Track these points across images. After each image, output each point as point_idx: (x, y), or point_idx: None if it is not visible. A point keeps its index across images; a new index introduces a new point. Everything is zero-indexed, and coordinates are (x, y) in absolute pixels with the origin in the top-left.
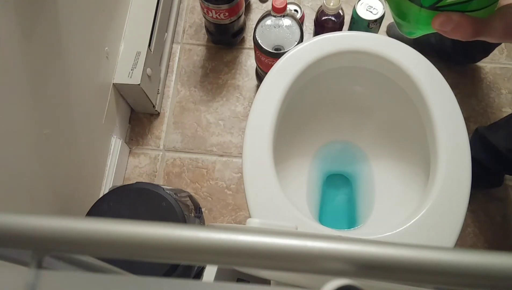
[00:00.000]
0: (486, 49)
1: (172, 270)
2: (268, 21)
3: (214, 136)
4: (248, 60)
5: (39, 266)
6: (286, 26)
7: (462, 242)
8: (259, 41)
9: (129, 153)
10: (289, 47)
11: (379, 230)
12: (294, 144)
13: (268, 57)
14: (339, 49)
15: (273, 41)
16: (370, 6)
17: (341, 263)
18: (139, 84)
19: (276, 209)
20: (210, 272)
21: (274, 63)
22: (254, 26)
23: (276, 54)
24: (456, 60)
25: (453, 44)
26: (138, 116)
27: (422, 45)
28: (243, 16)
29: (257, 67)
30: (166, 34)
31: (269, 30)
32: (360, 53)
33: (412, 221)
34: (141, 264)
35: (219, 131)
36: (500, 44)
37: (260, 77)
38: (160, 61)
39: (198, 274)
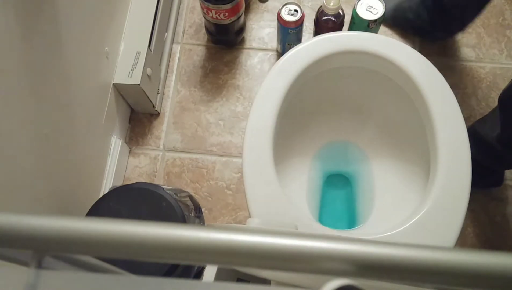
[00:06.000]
0: (462, 20)
1: (172, 270)
2: None
3: (214, 136)
4: (248, 60)
5: (39, 266)
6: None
7: (462, 242)
8: None
9: (129, 153)
10: None
11: (379, 230)
12: (294, 144)
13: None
14: (339, 49)
15: None
16: (370, 6)
17: (341, 263)
18: (139, 84)
19: (276, 209)
20: (210, 272)
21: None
22: (254, 26)
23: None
24: (434, 35)
25: (429, 18)
26: (138, 116)
27: (400, 22)
28: (243, 16)
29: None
30: (166, 34)
31: None
32: (360, 53)
33: (412, 221)
34: (141, 264)
35: (219, 131)
36: (478, 14)
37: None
38: (160, 61)
39: (198, 274)
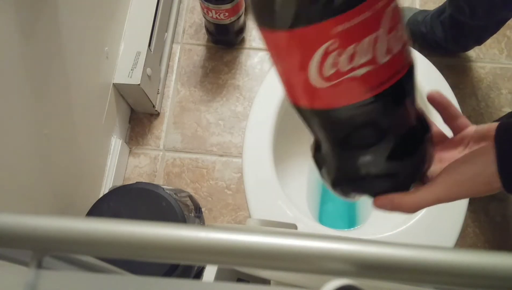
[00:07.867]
0: (479, 38)
1: (172, 270)
2: None
3: (214, 136)
4: (248, 60)
5: (39, 266)
6: None
7: (462, 242)
8: None
9: (129, 153)
10: None
11: (379, 230)
12: (294, 143)
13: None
14: None
15: None
16: None
17: (341, 263)
18: (139, 84)
19: (276, 209)
20: (210, 272)
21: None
22: (254, 26)
23: None
24: (447, 49)
25: (444, 33)
26: (138, 116)
27: (412, 35)
28: (243, 16)
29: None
30: (166, 34)
31: None
32: None
33: (412, 221)
34: (141, 264)
35: (219, 131)
36: (495, 32)
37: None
38: (160, 61)
39: (198, 274)
